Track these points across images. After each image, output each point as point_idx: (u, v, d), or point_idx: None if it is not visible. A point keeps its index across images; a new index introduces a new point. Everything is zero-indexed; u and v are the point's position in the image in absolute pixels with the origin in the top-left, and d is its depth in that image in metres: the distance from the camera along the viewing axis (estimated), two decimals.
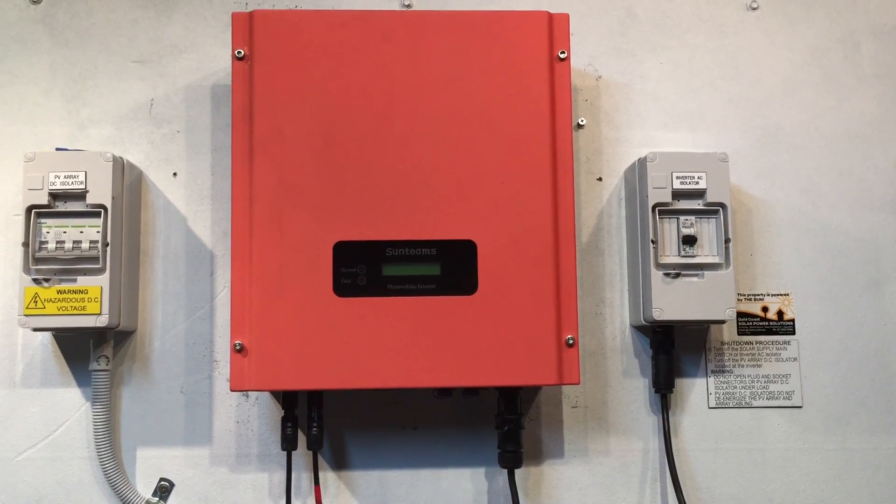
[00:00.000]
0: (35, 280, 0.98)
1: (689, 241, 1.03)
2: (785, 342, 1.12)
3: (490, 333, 0.96)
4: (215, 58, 1.13)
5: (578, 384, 0.98)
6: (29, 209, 0.99)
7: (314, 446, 1.02)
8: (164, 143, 1.11)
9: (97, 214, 1.00)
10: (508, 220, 0.97)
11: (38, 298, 0.98)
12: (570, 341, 0.96)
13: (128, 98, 1.12)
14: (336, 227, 0.97)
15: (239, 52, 0.98)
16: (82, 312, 0.98)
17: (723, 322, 1.05)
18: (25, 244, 0.98)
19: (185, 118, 1.12)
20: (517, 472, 1.04)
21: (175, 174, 1.11)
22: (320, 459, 1.05)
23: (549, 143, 0.99)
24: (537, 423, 1.09)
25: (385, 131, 0.98)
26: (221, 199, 1.10)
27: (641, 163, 1.06)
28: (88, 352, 1.04)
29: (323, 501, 1.04)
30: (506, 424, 1.02)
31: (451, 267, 0.97)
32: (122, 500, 1.04)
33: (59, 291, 0.98)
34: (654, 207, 1.04)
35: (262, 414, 1.07)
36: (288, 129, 0.97)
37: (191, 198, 1.11)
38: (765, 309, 1.12)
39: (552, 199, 0.98)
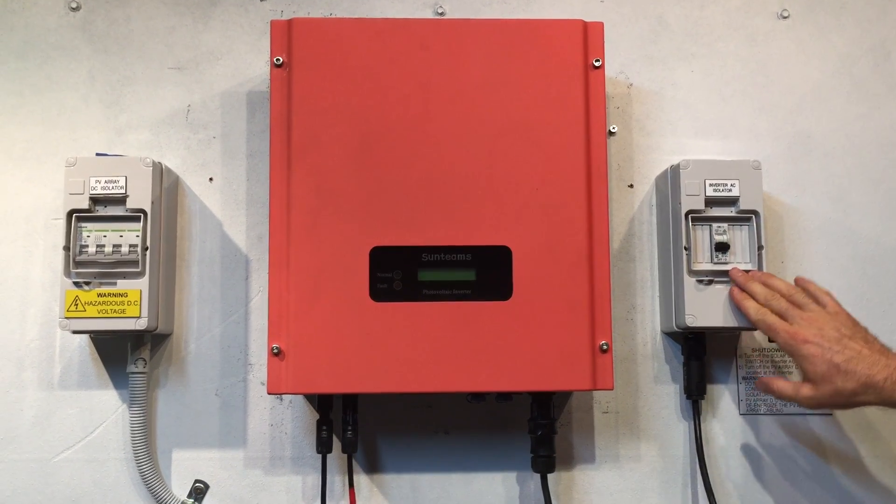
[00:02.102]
0: (76, 283, 0.99)
1: (722, 248, 1.04)
2: None
3: (524, 339, 0.96)
4: (251, 65, 1.14)
5: (612, 390, 0.98)
6: (70, 213, 1.00)
7: (349, 450, 1.03)
8: (201, 148, 1.13)
9: (136, 219, 1.01)
10: (543, 226, 0.98)
11: (78, 301, 0.99)
12: (604, 347, 0.97)
13: (165, 104, 1.13)
14: (372, 232, 0.97)
15: (278, 60, 0.99)
16: (122, 315, 0.99)
17: (755, 329, 1.05)
18: (66, 248, 1.00)
19: (221, 124, 1.13)
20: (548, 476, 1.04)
21: (211, 179, 1.12)
22: (353, 463, 1.06)
23: (584, 150, 0.99)
24: (568, 429, 1.10)
25: (421, 138, 0.99)
26: (256, 204, 1.12)
27: (674, 170, 1.06)
28: (125, 354, 1.06)
29: None
30: (539, 429, 1.02)
31: (486, 272, 0.98)
32: (157, 501, 1.05)
33: (99, 294, 0.99)
34: (686, 214, 1.04)
35: (295, 417, 1.08)
36: (325, 135, 0.98)
37: (226, 203, 1.12)
38: None
39: (587, 205, 0.99)
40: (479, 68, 1.00)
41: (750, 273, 1.02)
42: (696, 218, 1.05)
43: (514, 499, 1.08)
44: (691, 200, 1.04)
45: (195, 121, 1.13)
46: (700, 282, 1.04)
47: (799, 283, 1.03)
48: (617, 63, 1.16)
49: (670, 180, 1.08)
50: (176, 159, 1.12)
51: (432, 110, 0.99)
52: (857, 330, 0.95)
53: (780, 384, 0.97)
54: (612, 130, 1.15)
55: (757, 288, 1.00)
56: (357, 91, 0.99)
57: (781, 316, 0.97)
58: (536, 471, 1.03)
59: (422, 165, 0.98)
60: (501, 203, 0.98)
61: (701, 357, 1.08)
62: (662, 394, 1.11)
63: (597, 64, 1.01)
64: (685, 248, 1.04)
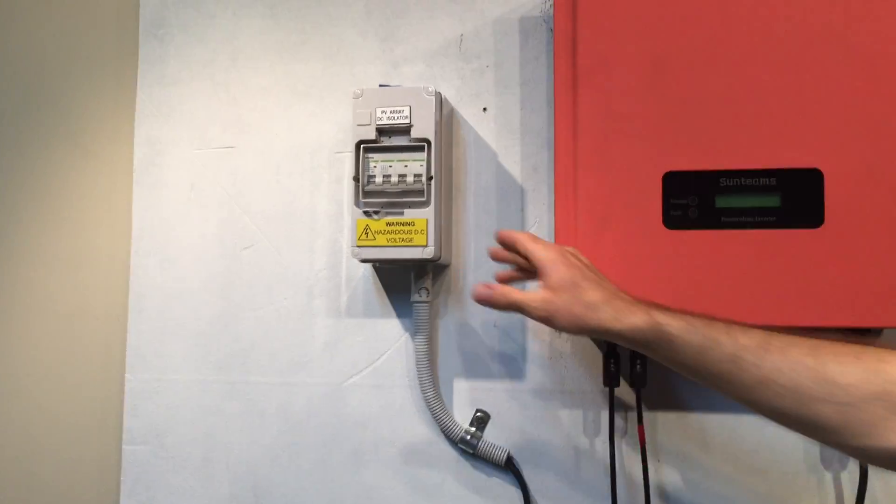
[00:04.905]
0: (365, 213, 1.02)
1: None
2: None
3: (839, 270, 0.88)
4: None
5: None
6: (358, 144, 1.02)
7: (639, 384, 0.99)
8: (474, 78, 1.11)
9: (420, 149, 1.01)
10: (861, 145, 0.88)
11: (368, 230, 1.01)
12: None
13: (438, 35, 1.12)
14: (665, 156, 0.92)
15: None
16: (409, 244, 1.00)
17: None
18: (356, 178, 1.02)
19: (493, 52, 1.11)
20: None
21: (485, 109, 1.10)
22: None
23: None
24: None
25: (718, 52, 0.91)
26: (530, 133, 1.09)
27: None
28: (406, 284, 1.07)
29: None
30: None
31: (792, 198, 0.89)
32: (442, 428, 1.06)
33: (388, 224, 1.01)
34: None
35: (575, 350, 1.06)
36: (614, 55, 0.93)
37: (500, 133, 1.10)
38: None
39: None
40: None
41: None
42: None
43: (811, 448, 1.00)
44: None
45: (468, 50, 1.11)
46: None
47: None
48: None
49: None
50: (450, 90, 1.11)
51: (731, 18, 0.91)
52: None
53: (505, 289, 0.81)
54: None
55: None
56: (647, 6, 0.93)
57: None
58: None
59: (720, 81, 0.91)
60: (812, 121, 0.89)
61: None
62: None
63: None
64: None
